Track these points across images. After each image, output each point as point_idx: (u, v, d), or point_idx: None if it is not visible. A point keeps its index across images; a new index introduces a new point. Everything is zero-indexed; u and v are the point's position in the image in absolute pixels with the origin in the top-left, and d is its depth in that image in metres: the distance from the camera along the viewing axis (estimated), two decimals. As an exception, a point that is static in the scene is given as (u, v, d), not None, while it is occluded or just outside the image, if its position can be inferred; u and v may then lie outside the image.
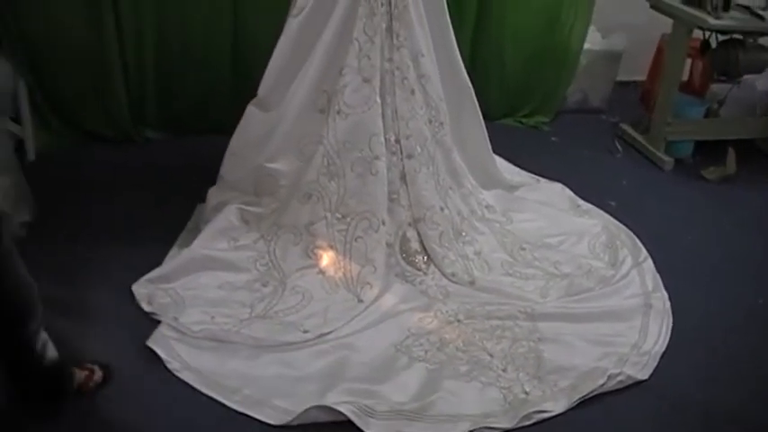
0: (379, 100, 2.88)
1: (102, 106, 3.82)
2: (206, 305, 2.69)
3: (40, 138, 3.69)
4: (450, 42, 3.19)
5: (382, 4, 2.88)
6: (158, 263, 2.88)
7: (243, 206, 3.00)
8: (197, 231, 3.01)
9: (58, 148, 3.75)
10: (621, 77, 5.02)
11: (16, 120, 3.56)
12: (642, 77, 5.05)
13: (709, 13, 3.92)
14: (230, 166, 3.07)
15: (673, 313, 2.93)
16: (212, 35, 3.86)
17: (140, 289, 2.72)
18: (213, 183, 3.16)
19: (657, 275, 3.13)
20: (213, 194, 3.09)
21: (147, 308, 2.65)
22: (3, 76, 3.19)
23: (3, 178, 2.97)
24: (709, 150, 4.33)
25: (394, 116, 2.94)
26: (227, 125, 3.19)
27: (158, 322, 2.59)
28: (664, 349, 2.74)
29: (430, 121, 3.05)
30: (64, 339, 2.37)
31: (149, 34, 3.75)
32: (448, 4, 3.16)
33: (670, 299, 3.00)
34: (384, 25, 2.89)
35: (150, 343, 2.49)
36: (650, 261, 3.22)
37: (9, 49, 3.47)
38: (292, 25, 2.91)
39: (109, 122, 3.86)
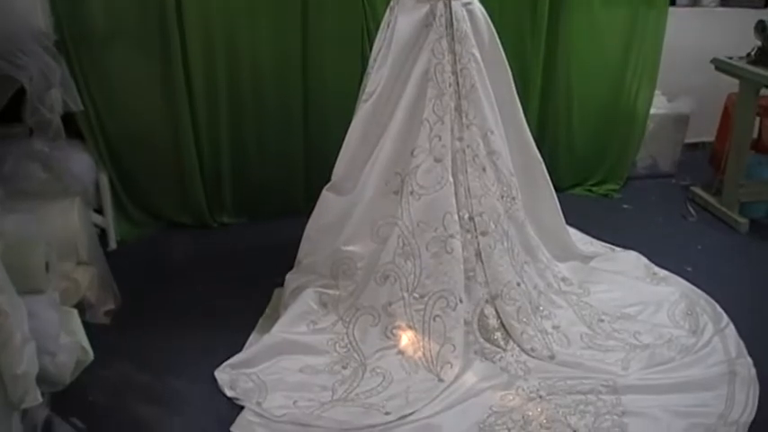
0: (451, 179, 2.90)
1: (180, 195, 3.94)
2: (288, 389, 2.70)
3: (121, 227, 3.82)
4: (518, 117, 3.22)
5: (450, 85, 2.91)
6: (239, 348, 2.91)
7: (321, 289, 3.03)
8: (276, 316, 3.05)
9: (137, 236, 3.86)
10: (690, 139, 4.98)
11: (99, 211, 3.68)
12: (710, 138, 4.98)
13: (775, 71, 3.88)
14: (307, 251, 3.11)
15: (759, 380, 2.81)
16: (285, 122, 3.94)
17: (223, 375, 2.75)
18: (289, 266, 3.20)
19: (741, 341, 3.03)
20: (291, 279, 3.13)
21: (229, 393, 2.67)
22: (87, 169, 3.30)
23: (89, 268, 3.08)
24: (784, 209, 4.25)
25: (467, 194, 2.95)
26: (301, 207, 3.25)
27: (241, 408, 2.61)
28: (752, 419, 2.63)
29: (502, 197, 3.06)
30: (147, 426, 2.42)
31: (224, 127, 3.86)
32: (513, 77, 3.18)
33: (755, 365, 2.88)
34: (453, 105, 2.92)
35: (235, 428, 2.52)
36: (732, 327, 3.12)
37: (92, 143, 3.61)
38: (363, 110, 2.97)
39: (186, 210, 3.97)
